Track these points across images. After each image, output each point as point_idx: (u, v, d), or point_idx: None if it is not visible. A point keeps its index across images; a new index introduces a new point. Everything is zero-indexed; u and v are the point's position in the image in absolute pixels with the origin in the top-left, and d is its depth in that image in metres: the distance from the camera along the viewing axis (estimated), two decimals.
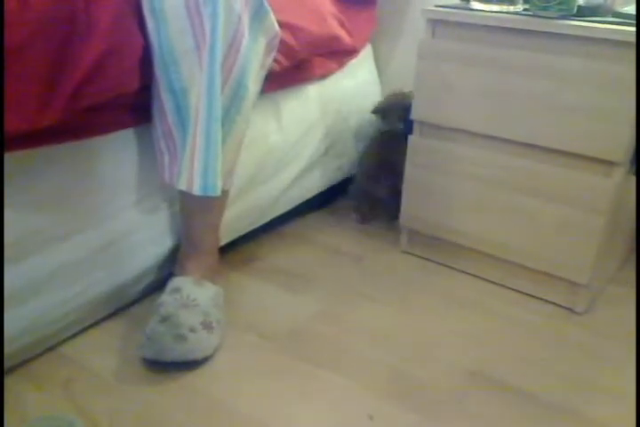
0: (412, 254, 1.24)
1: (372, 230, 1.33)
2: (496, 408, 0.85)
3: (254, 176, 1.13)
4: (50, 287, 0.85)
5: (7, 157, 0.74)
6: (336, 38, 1.17)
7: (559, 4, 0.92)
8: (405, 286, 1.13)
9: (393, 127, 1.29)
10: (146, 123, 0.91)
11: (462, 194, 1.11)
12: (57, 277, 0.86)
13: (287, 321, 1.01)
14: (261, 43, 0.87)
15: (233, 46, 0.82)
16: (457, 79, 1.05)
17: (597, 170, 0.96)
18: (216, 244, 1.03)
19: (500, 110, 1.02)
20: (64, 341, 0.93)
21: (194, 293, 0.91)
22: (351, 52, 1.28)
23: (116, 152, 0.90)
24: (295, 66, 1.09)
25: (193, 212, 0.96)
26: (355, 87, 1.37)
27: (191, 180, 0.84)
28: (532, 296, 1.11)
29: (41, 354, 0.90)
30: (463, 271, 1.18)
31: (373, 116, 1.45)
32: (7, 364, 0.85)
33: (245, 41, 0.83)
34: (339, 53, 1.24)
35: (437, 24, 1.05)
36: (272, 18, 0.88)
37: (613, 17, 0.96)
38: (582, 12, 0.95)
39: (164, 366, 0.87)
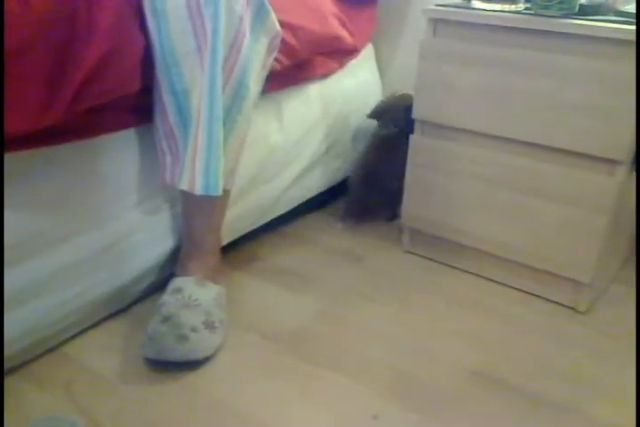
0: (414, 254, 1.23)
1: (373, 230, 1.33)
2: (498, 408, 0.85)
3: (256, 176, 1.13)
4: (51, 288, 0.85)
5: (8, 157, 0.74)
6: (337, 38, 1.17)
7: (560, 2, 0.92)
8: (407, 286, 1.13)
9: (388, 131, 1.28)
10: (147, 123, 0.91)
11: (464, 193, 1.11)
12: (58, 277, 0.86)
13: (289, 321, 1.01)
14: (263, 43, 0.87)
15: (234, 47, 0.82)
16: (458, 78, 1.04)
17: (600, 169, 0.96)
18: (218, 244, 1.03)
19: (502, 109, 1.02)
20: (65, 341, 0.93)
21: (196, 293, 0.91)
22: (352, 52, 1.28)
23: (118, 152, 0.90)
24: (296, 65, 1.09)
25: (195, 212, 0.96)
26: (356, 87, 1.37)
27: (193, 180, 0.84)
28: (535, 295, 1.11)
29: (42, 354, 0.90)
30: (465, 271, 1.18)
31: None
32: (8, 364, 0.85)
33: (247, 41, 0.83)
34: (340, 53, 1.24)
35: (438, 23, 1.05)
36: (273, 18, 0.88)
37: (615, 15, 0.95)
38: (584, 11, 0.95)
39: (166, 366, 0.87)
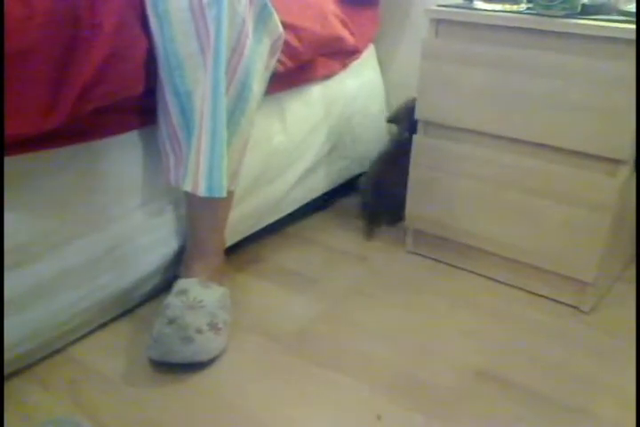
0: (418, 254, 1.23)
1: (376, 231, 1.33)
2: (502, 408, 0.85)
3: (259, 177, 1.13)
4: (55, 291, 0.85)
5: (11, 159, 0.74)
6: (339, 39, 1.17)
7: (563, 2, 0.92)
8: (411, 286, 1.13)
9: (407, 136, 1.25)
10: (151, 125, 0.91)
11: (467, 193, 1.11)
12: (62, 280, 0.86)
13: (293, 322, 1.01)
14: (265, 44, 0.87)
15: (237, 48, 0.82)
16: (461, 78, 1.04)
17: (603, 168, 0.96)
18: (222, 245, 1.03)
19: (505, 110, 1.02)
20: (70, 343, 0.93)
21: (200, 294, 0.91)
22: (354, 53, 1.28)
23: (121, 154, 0.90)
24: (299, 66, 1.09)
25: (199, 213, 0.96)
26: (358, 88, 1.37)
27: (197, 181, 0.84)
28: (539, 295, 1.11)
29: (47, 356, 0.90)
30: (469, 271, 1.18)
31: (377, 117, 1.46)
32: (13, 367, 0.85)
33: (249, 43, 0.83)
34: (342, 54, 1.24)
35: (440, 23, 1.05)
36: (276, 19, 0.88)
37: (618, 15, 0.95)
38: (586, 11, 0.95)
39: (171, 368, 0.87)
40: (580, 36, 0.91)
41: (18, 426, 0.78)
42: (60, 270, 0.85)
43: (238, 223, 1.12)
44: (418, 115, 1.12)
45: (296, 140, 1.21)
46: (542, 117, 0.98)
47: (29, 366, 0.88)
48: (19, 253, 0.79)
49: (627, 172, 0.95)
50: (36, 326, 0.84)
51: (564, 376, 0.91)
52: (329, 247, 1.26)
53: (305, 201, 1.32)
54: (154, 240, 0.98)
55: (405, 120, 1.27)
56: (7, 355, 0.81)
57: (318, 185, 1.34)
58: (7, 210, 0.77)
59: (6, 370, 0.84)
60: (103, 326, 0.97)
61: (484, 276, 1.16)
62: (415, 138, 1.15)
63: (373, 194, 1.32)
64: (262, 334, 0.98)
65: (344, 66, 1.28)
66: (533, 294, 1.11)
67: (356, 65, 1.34)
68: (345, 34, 1.19)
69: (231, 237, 1.12)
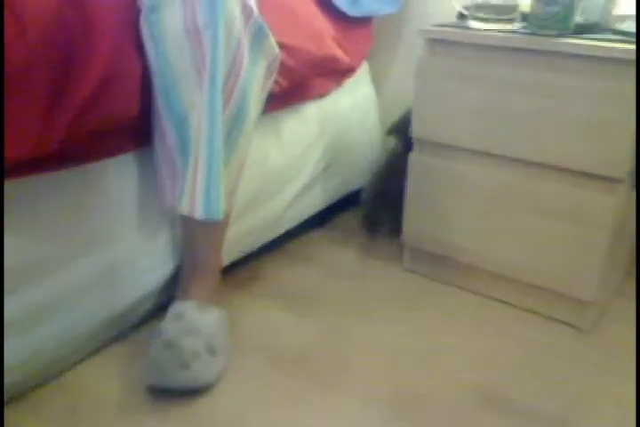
0: (415, 272, 1.23)
1: (374, 248, 1.32)
2: (503, 426, 0.84)
3: (257, 195, 1.13)
4: (50, 316, 0.84)
5: (6, 183, 0.73)
6: (334, 59, 1.17)
7: (557, 22, 0.93)
8: (409, 305, 1.12)
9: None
10: (146, 146, 0.90)
11: (464, 211, 1.11)
12: (57, 305, 0.85)
13: (292, 344, 1.00)
14: (262, 66, 0.87)
15: (233, 70, 0.82)
16: (456, 97, 1.05)
17: (600, 187, 0.96)
18: (219, 264, 1.02)
19: (500, 128, 1.02)
20: (65, 369, 0.91)
21: (197, 318, 0.90)
22: (349, 72, 1.28)
23: (116, 176, 0.89)
24: (294, 86, 1.09)
25: (195, 233, 0.95)
26: (352, 104, 1.37)
27: (193, 204, 0.83)
28: (537, 314, 1.10)
29: (41, 384, 0.88)
30: (467, 289, 1.17)
31: (372, 133, 1.46)
32: (6, 395, 0.83)
33: (246, 64, 0.83)
34: (337, 73, 1.24)
35: (435, 43, 1.05)
36: (272, 40, 0.88)
37: (612, 34, 0.96)
38: (580, 30, 0.95)
39: (168, 393, 0.86)
40: (573, 55, 0.92)
41: None
42: (54, 295, 0.84)
43: (236, 242, 1.11)
44: (413, 133, 1.12)
45: (292, 157, 1.21)
46: (538, 136, 0.98)
47: (23, 395, 0.86)
48: (12, 278, 0.78)
49: (624, 190, 0.95)
50: (29, 352, 0.83)
51: (564, 395, 0.90)
52: (327, 265, 1.25)
53: (303, 218, 1.31)
54: (150, 261, 0.97)
55: (407, 130, 1.26)
56: None
57: (315, 202, 1.33)
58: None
59: None
60: (98, 350, 0.96)
61: (482, 294, 1.15)
62: (410, 156, 1.14)
63: (375, 204, 1.32)
64: (261, 356, 0.97)
65: (339, 84, 1.28)
66: (532, 312, 1.10)
67: (350, 82, 1.34)
68: (340, 53, 1.19)
69: (228, 256, 1.11)
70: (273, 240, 1.24)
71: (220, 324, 0.93)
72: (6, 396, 0.83)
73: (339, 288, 1.17)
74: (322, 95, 1.25)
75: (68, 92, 0.74)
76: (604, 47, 0.89)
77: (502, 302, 1.13)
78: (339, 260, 1.27)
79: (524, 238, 1.05)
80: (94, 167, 0.85)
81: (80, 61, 0.75)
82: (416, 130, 1.11)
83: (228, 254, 1.10)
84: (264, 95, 0.93)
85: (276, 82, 0.98)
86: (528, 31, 0.97)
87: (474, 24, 1.02)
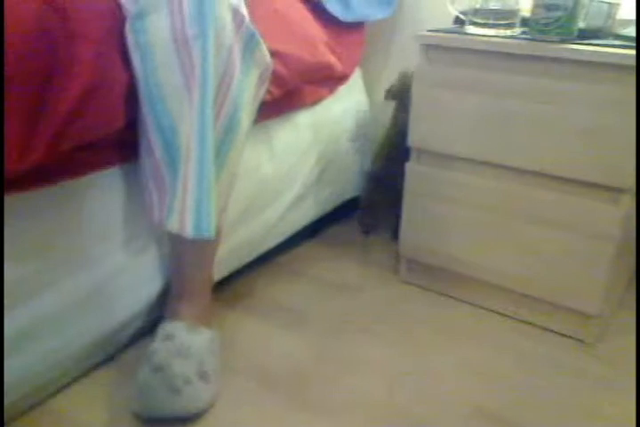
0: (412, 284, 1.19)
1: (369, 258, 1.29)
2: None
3: (248, 208, 1.09)
4: (34, 339, 0.79)
5: None
6: (328, 66, 1.14)
7: (559, 27, 0.89)
8: (406, 319, 1.08)
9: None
10: (132, 160, 0.86)
11: (463, 222, 1.07)
12: (42, 327, 0.80)
13: (286, 364, 0.96)
14: (254, 75, 0.83)
15: (224, 80, 0.78)
16: (454, 105, 1.01)
17: (603, 196, 0.93)
18: (210, 282, 0.98)
19: (500, 137, 0.98)
20: (50, 395, 0.87)
21: (188, 339, 0.85)
22: (342, 79, 1.24)
23: (101, 192, 0.85)
24: (286, 94, 1.05)
25: (184, 251, 0.91)
26: (345, 111, 1.33)
27: (183, 221, 0.79)
28: (539, 327, 1.07)
29: (25, 411, 0.84)
30: (465, 301, 1.14)
31: (365, 140, 1.42)
32: None
33: (237, 74, 0.79)
34: (330, 80, 1.20)
35: (431, 49, 1.02)
36: (264, 49, 0.84)
37: (614, 39, 0.93)
38: (582, 35, 0.92)
39: (158, 420, 0.81)
40: (574, 61, 0.89)
41: None
42: (39, 317, 0.80)
43: (227, 257, 1.07)
44: (410, 142, 1.08)
45: (285, 167, 1.17)
46: (538, 145, 0.95)
47: (9, 422, 0.82)
48: None
49: (629, 200, 0.92)
50: (12, 377, 0.78)
51: (569, 413, 0.87)
52: (321, 279, 1.21)
53: (295, 229, 1.27)
54: (137, 280, 0.93)
55: (404, 93, 1.21)
56: None
57: (308, 213, 1.30)
58: None
59: None
60: (84, 374, 0.91)
61: (482, 306, 1.12)
62: (408, 166, 1.11)
63: (373, 187, 1.33)
64: (255, 378, 0.92)
65: (331, 92, 1.24)
66: (534, 325, 1.07)
67: (342, 88, 1.30)
68: (333, 60, 1.15)
69: (219, 272, 1.06)
70: (265, 253, 1.20)
71: (212, 345, 0.89)
72: None
73: (333, 303, 1.13)
74: (314, 103, 1.21)
75: (50, 103, 0.70)
76: (607, 53, 0.86)
77: (502, 314, 1.10)
78: (333, 273, 1.23)
79: (524, 249, 1.02)
80: (78, 182, 0.81)
81: (62, 71, 0.71)
82: (413, 139, 1.08)
83: (219, 270, 1.05)
84: (256, 105, 0.89)
85: (268, 91, 0.94)
86: (529, 36, 0.94)
87: (472, 29, 0.99)
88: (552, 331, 1.05)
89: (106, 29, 0.75)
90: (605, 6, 0.91)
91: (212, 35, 0.74)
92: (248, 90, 0.83)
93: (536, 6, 0.90)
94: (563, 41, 0.91)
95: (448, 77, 1.00)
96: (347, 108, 1.34)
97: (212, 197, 0.79)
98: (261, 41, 0.83)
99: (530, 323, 1.08)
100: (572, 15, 0.88)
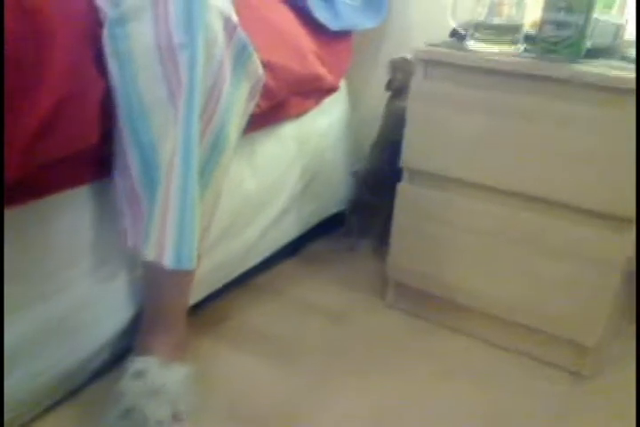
0: (400, 310, 1.13)
1: (353, 280, 1.22)
2: None
3: (228, 227, 1.01)
4: None
5: None
6: (318, 77, 1.07)
7: (568, 46, 0.85)
8: (393, 349, 1.02)
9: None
10: (105, 178, 0.78)
11: (456, 246, 1.02)
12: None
13: (265, 402, 0.89)
14: (244, 88, 0.76)
15: (213, 94, 0.70)
16: (451, 124, 0.96)
17: (607, 225, 0.88)
18: (185, 309, 0.89)
19: (499, 159, 0.93)
20: None
21: (161, 377, 0.77)
22: (330, 91, 1.18)
23: (70, 212, 0.77)
24: (272, 106, 0.98)
25: (159, 279, 0.83)
26: (330, 123, 1.28)
27: (162, 249, 0.71)
28: (534, 359, 1.01)
29: None
30: (456, 330, 1.08)
31: (349, 153, 1.36)
32: None
33: (227, 88, 0.72)
34: (319, 92, 1.14)
35: (430, 65, 0.96)
36: (256, 61, 0.77)
37: (620, 59, 0.89)
38: (589, 54, 0.88)
39: None
40: (582, 82, 0.84)
41: None
42: None
43: (204, 279, 0.98)
44: (403, 163, 1.02)
45: (268, 182, 1.10)
46: (539, 169, 0.91)
47: None
48: None
49: (632, 229, 0.87)
50: None
51: None
52: (302, 301, 1.14)
53: (276, 248, 1.20)
54: (106, 309, 0.85)
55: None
56: None
57: (290, 229, 1.23)
58: None
59: None
60: (44, 413, 0.82)
61: (473, 336, 1.06)
62: (400, 186, 1.05)
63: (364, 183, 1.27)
64: (232, 419, 0.85)
65: (317, 103, 1.18)
66: (528, 357, 1.02)
67: (327, 100, 1.24)
68: (323, 71, 1.09)
69: (196, 294, 0.98)
70: (243, 273, 1.12)
71: (186, 383, 0.80)
72: None
73: (314, 331, 1.06)
74: (300, 115, 1.15)
75: (16, 120, 0.62)
76: (613, 78, 0.81)
77: (495, 345, 1.05)
78: (315, 295, 1.16)
79: (523, 277, 0.97)
80: (46, 201, 0.72)
81: (31, 81, 0.63)
82: (407, 159, 1.02)
83: (196, 293, 0.97)
84: (245, 120, 0.82)
85: (257, 104, 0.87)
86: (532, 55, 0.89)
87: (472, 45, 0.94)
88: (547, 363, 1.01)
89: (80, 35, 0.68)
90: (613, 27, 0.87)
91: (202, 44, 0.66)
92: (237, 104, 0.76)
93: (545, 23, 0.85)
94: (571, 61, 0.86)
95: (446, 95, 0.95)
96: (331, 119, 1.29)
97: (195, 224, 0.71)
98: (254, 52, 0.76)
99: (524, 354, 1.02)
100: (581, 34, 0.84)
